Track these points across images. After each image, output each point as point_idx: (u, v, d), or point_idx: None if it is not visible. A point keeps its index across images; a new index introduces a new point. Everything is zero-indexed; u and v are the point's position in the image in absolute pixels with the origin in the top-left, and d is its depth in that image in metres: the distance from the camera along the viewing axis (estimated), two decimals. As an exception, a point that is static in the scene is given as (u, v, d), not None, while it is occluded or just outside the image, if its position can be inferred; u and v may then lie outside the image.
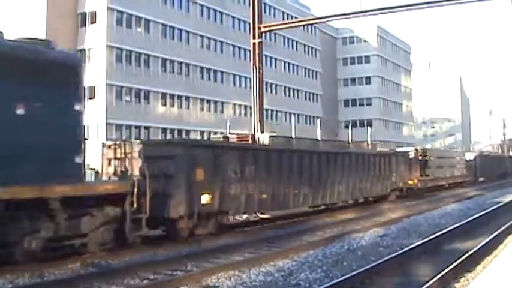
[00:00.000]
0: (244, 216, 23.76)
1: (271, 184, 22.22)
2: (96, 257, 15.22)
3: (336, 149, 29.91)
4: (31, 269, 13.50)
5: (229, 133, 27.43)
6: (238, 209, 20.66)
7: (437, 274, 12.06)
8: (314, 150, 26.44)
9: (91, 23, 55.92)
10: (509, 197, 35.92)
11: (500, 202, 32.05)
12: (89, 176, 17.20)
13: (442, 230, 19.76)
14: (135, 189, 15.80)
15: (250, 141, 24.75)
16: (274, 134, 27.78)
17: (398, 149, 42.32)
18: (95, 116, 52.25)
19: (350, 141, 32.36)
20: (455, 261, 13.36)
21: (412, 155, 39.65)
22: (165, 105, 60.75)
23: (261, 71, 32.27)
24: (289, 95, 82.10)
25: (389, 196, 33.84)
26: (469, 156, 59.38)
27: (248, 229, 21.91)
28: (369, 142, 33.74)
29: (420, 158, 41.54)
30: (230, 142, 23.23)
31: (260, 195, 21.58)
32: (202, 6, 66.39)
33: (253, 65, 32.33)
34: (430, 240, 17.09)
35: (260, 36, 32.80)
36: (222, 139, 24.37)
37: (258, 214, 24.06)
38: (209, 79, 67.01)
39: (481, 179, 60.88)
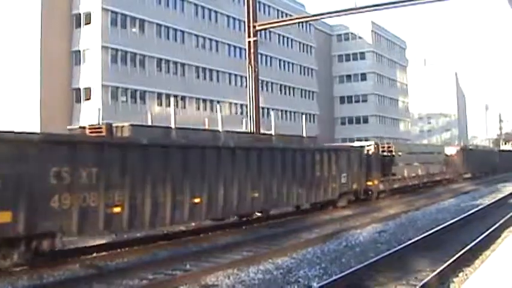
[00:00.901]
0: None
1: (129, 193, 16.21)
2: (95, 258, 15.23)
3: (248, 143, 22.77)
4: (30, 271, 13.52)
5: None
6: (67, 229, 14.57)
7: (436, 269, 12.11)
8: (210, 145, 19.86)
9: (86, 23, 55.77)
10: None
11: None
12: None
13: (439, 225, 19.82)
14: None
15: (104, 133, 17.53)
16: (133, 124, 19.71)
17: (358, 144, 36.42)
18: (90, 117, 52.18)
19: (273, 132, 26.06)
20: (453, 255, 13.41)
21: (371, 150, 33.44)
22: (161, 105, 60.64)
23: (256, 69, 32.25)
24: (285, 93, 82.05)
25: (339, 201, 28.20)
26: (450, 150, 53.22)
27: (246, 228, 21.86)
28: (305, 135, 28.27)
29: (384, 154, 35.71)
30: (49, 135, 16.13)
31: (109, 209, 15.60)
32: (196, 5, 66.28)
33: (249, 63, 32.32)
34: (427, 236, 17.14)
35: (255, 35, 32.78)
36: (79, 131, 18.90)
37: (257, 213, 23.61)
38: (205, 78, 66.91)
39: (467, 175, 56.16)
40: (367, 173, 31.45)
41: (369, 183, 31.62)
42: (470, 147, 70.66)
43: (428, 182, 43.31)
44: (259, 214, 23.25)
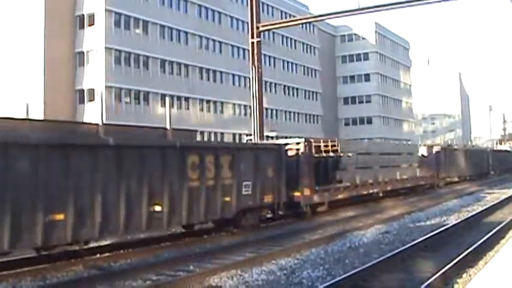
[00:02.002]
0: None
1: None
2: (99, 259, 15.24)
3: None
4: (33, 272, 13.53)
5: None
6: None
7: (440, 270, 12.09)
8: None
9: (89, 25, 55.85)
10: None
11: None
12: None
13: (443, 226, 19.80)
14: None
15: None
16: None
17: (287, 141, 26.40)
18: (94, 118, 52.25)
19: (102, 122, 16.90)
20: (457, 257, 13.38)
21: (301, 150, 24.89)
22: (164, 106, 60.64)
23: (260, 70, 32.27)
24: (288, 94, 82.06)
25: (242, 220, 20.51)
26: (426, 150, 44.92)
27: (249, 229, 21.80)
28: (169, 127, 19.52)
29: (324, 154, 28.06)
30: None
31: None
32: (200, 6, 66.32)
33: (252, 64, 32.34)
34: (431, 237, 17.12)
35: (258, 36, 32.80)
36: None
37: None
38: (208, 79, 66.94)
39: (449, 179, 48.01)
40: (293, 181, 23.64)
41: (296, 193, 23.95)
42: (456, 146, 61.59)
43: (395, 189, 34.81)
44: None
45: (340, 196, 27.57)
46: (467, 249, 14.48)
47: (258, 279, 12.61)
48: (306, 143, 25.09)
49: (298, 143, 25.21)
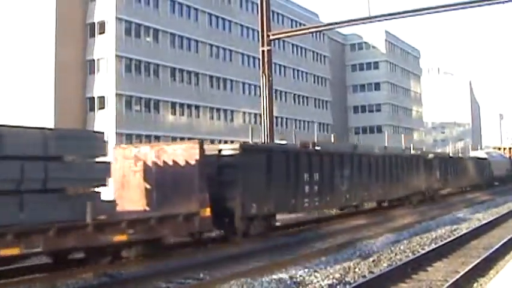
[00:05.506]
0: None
1: None
2: (109, 266, 15.24)
3: None
4: (44, 279, 13.55)
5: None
6: None
7: (451, 279, 12.04)
8: None
9: (100, 33, 56.10)
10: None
11: None
12: None
13: (454, 235, 19.71)
14: None
15: None
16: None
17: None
18: (104, 126, 52.44)
19: None
20: (468, 266, 13.34)
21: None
22: (174, 114, 60.84)
23: (270, 78, 32.24)
24: (298, 102, 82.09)
25: None
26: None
27: (258, 237, 21.80)
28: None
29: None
30: None
31: None
32: (210, 15, 66.52)
33: (263, 72, 32.33)
34: (442, 246, 17.06)
35: (269, 44, 32.80)
36: None
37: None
38: (218, 88, 67.06)
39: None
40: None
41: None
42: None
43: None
44: None
45: None
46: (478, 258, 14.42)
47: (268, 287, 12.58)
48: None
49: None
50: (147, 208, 17.66)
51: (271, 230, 21.83)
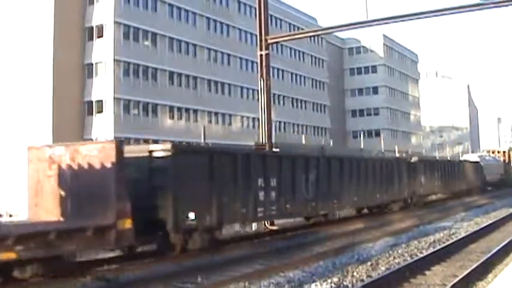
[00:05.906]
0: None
1: None
2: (107, 271, 15.19)
3: None
4: (41, 283, 13.50)
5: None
6: None
7: (449, 283, 12.03)
8: None
9: (98, 37, 56.10)
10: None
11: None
12: None
13: (452, 238, 19.70)
14: None
15: None
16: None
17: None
18: (103, 130, 52.46)
19: None
20: (466, 269, 13.33)
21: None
22: (172, 118, 60.84)
23: (268, 82, 32.17)
24: (296, 106, 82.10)
25: None
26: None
27: (257, 241, 21.75)
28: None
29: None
30: None
31: None
32: (208, 19, 66.55)
33: (261, 76, 32.25)
34: (440, 249, 17.04)
35: (267, 48, 32.74)
36: None
37: (267, 225, 23.40)
38: (216, 91, 67.07)
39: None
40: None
41: None
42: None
43: None
44: None
45: None
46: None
47: (266, 292, 12.56)
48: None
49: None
50: (61, 219, 15.11)
51: (216, 244, 18.78)
